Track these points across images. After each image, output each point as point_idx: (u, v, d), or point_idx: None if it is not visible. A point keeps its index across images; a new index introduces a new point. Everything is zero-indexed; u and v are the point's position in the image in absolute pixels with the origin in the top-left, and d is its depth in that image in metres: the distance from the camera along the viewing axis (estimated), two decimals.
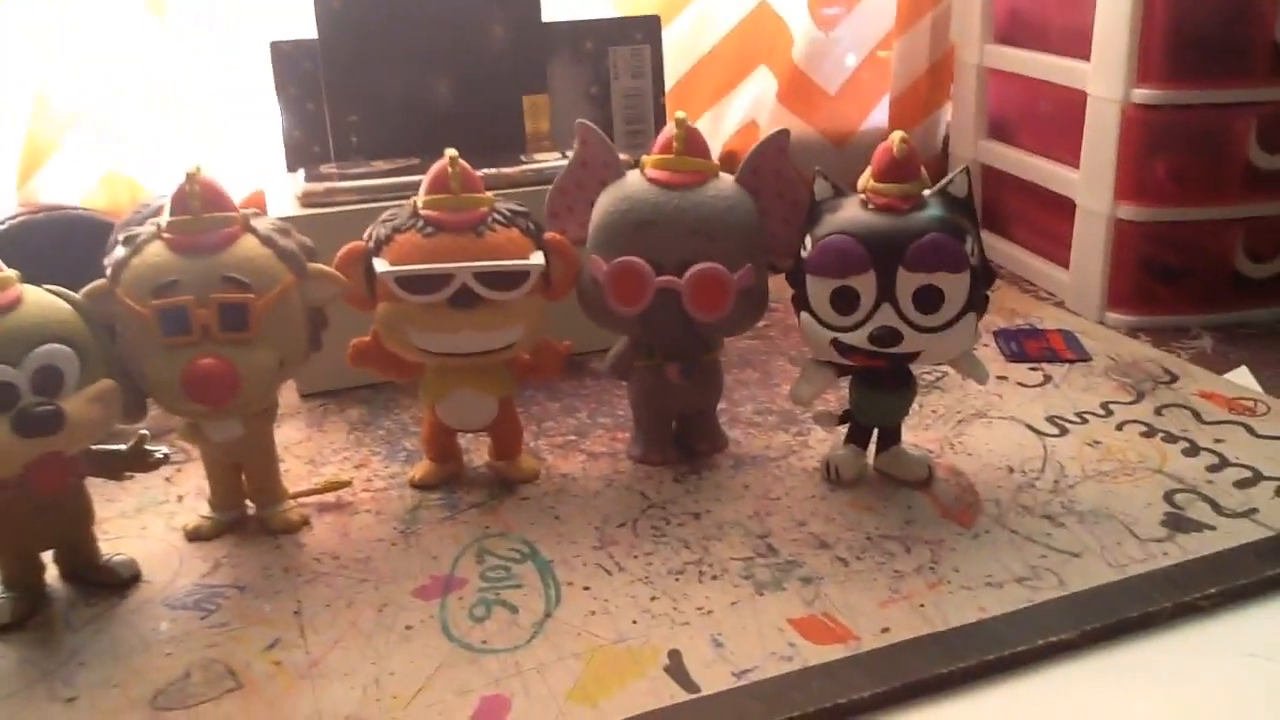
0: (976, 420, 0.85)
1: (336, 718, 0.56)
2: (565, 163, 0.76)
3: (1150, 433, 0.81)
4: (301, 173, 0.98)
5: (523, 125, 1.07)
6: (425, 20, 1.03)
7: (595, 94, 1.13)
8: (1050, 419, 0.84)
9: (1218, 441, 0.80)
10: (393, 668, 0.59)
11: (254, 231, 0.67)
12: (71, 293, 0.64)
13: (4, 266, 0.62)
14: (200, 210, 0.66)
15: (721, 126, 1.26)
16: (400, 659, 0.60)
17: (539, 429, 0.85)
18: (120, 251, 0.66)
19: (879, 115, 1.32)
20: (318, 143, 1.05)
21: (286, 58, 1.04)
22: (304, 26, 1.03)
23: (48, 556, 0.67)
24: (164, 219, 0.66)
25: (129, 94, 1.08)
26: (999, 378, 0.92)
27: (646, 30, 1.13)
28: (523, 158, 1.00)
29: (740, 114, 1.25)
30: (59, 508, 0.65)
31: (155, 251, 0.65)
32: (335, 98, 1.03)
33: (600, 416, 0.87)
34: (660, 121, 1.13)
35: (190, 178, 0.66)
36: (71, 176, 1.08)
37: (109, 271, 0.66)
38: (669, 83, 1.18)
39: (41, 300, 0.62)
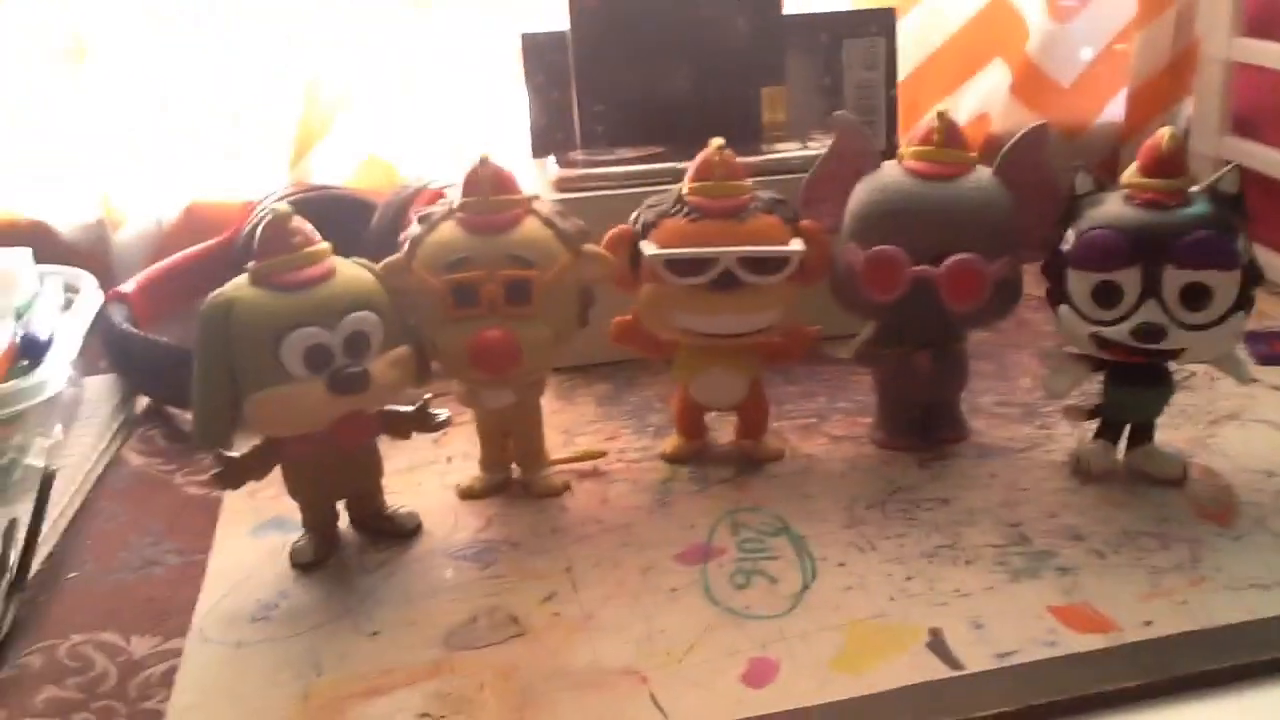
0: (1229, 422, 0.83)
1: (615, 667, 0.59)
2: (804, 152, 0.78)
3: None
4: (552, 159, 1.03)
5: (760, 116, 1.09)
6: (671, 14, 1.06)
7: (828, 85, 1.15)
8: None
9: None
10: (662, 626, 0.63)
11: (536, 214, 0.72)
12: (373, 264, 0.70)
13: (320, 237, 0.68)
14: (490, 193, 0.71)
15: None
16: (669, 618, 0.63)
17: (779, 411, 0.88)
18: (416, 229, 0.72)
19: (1114, 109, 1.29)
20: (561, 130, 1.10)
21: (536, 48, 1.09)
22: (550, 19, 1.08)
23: (341, 505, 0.73)
24: (459, 199, 0.71)
25: (389, 81, 1.15)
26: (1251, 380, 0.89)
27: (881, 23, 1.14)
28: (763, 147, 1.02)
29: (972, 106, 1.25)
30: (355, 461, 0.71)
31: (448, 230, 0.71)
32: (584, 87, 1.07)
33: (839, 401, 0.89)
34: (891, 114, 1.14)
35: (482, 161, 0.71)
36: (336, 159, 1.16)
37: (405, 247, 0.71)
38: (901, 75, 1.18)
39: (351, 271, 0.68)
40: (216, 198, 1.15)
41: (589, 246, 0.73)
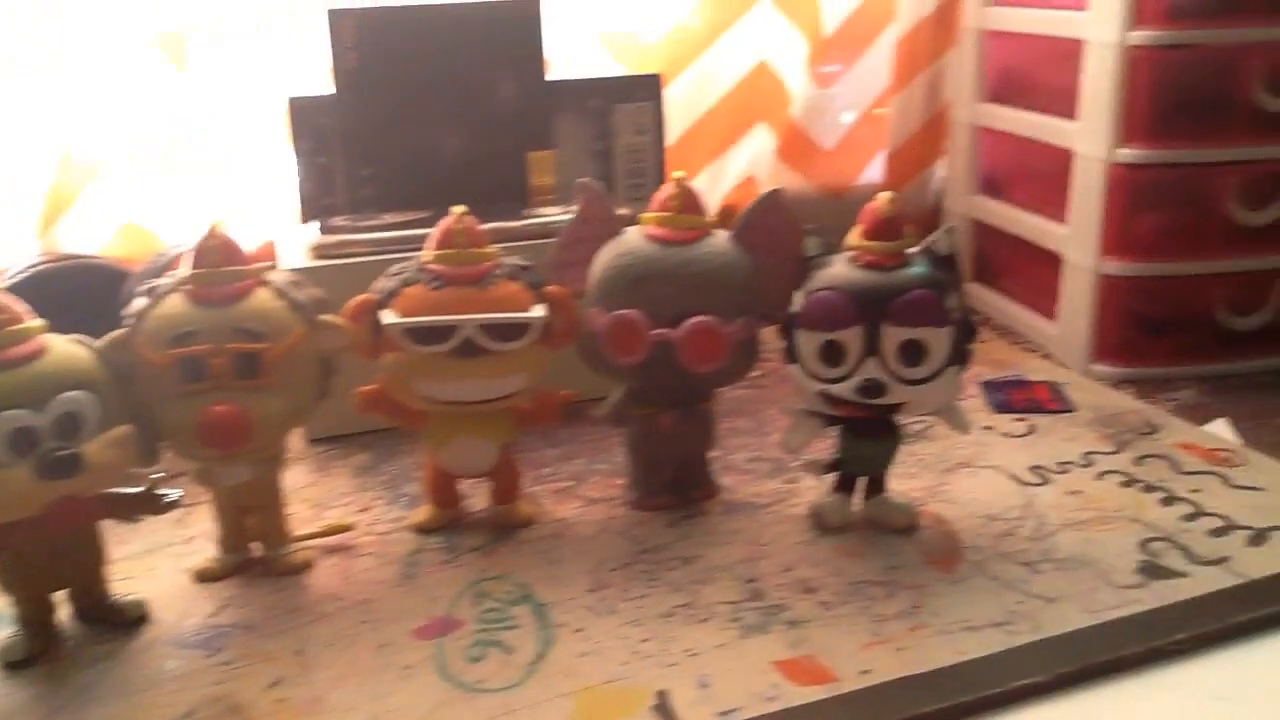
0: (961, 469, 0.87)
1: None
2: (568, 216, 0.79)
3: (1129, 482, 0.84)
4: (315, 225, 1.01)
5: (528, 180, 1.10)
6: (437, 78, 1.07)
7: (599, 149, 1.17)
8: (1033, 469, 0.87)
9: (1194, 491, 0.82)
10: (391, 706, 0.61)
11: (268, 284, 0.71)
12: (92, 340, 0.67)
13: (30, 315, 0.65)
14: (218, 264, 0.69)
15: (721, 181, 1.29)
16: (399, 698, 0.62)
17: (537, 475, 0.88)
18: (140, 302, 0.69)
19: (875, 170, 1.36)
20: (331, 196, 1.09)
21: (303, 113, 1.08)
22: (319, 84, 1.07)
23: (61, 595, 0.70)
24: (183, 271, 0.70)
25: (148, 147, 1.12)
26: (985, 428, 0.94)
27: (649, 89, 1.17)
28: (527, 211, 1.03)
29: (739, 169, 1.29)
30: (73, 549, 0.68)
31: (174, 303, 0.69)
32: (351, 152, 1.06)
33: (597, 463, 0.90)
34: (661, 176, 1.16)
35: (210, 233, 0.69)
36: (91, 226, 1.12)
37: (129, 321, 0.69)
38: (671, 138, 1.21)
39: (65, 349, 0.65)
40: None
41: (326, 317, 0.72)
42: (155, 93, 1.11)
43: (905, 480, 0.85)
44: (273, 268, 0.72)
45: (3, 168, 1.08)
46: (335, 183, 1.09)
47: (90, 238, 1.12)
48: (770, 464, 0.89)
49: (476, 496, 0.84)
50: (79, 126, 1.09)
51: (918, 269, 0.73)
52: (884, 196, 0.74)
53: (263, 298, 0.70)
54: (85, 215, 1.11)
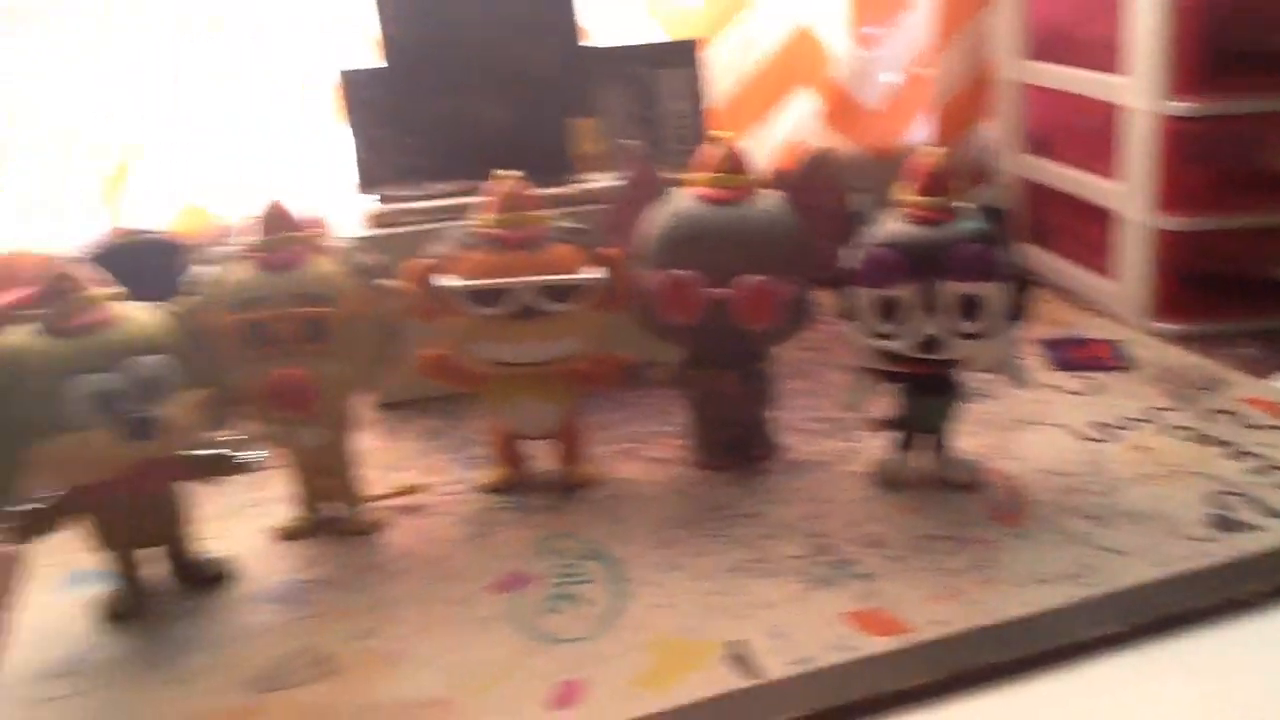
0: (1024, 427, 0.87)
1: (424, 700, 0.59)
2: (613, 182, 0.81)
3: (1195, 438, 0.83)
4: (371, 196, 1.02)
5: (570, 147, 1.10)
6: (478, 48, 1.08)
7: (644, 116, 1.17)
8: (1096, 425, 0.87)
9: (1262, 446, 0.81)
10: (473, 656, 0.63)
11: (329, 250, 0.72)
12: (167, 306, 0.69)
13: (99, 284, 0.66)
14: (280, 231, 0.70)
15: (768, 145, 1.29)
16: (479, 648, 0.63)
17: (602, 435, 0.89)
18: (209, 269, 0.71)
19: (919, 130, 1.35)
20: (385, 166, 1.10)
21: (356, 85, 1.09)
22: (370, 57, 1.08)
23: (153, 553, 0.71)
24: (249, 239, 0.71)
25: (207, 123, 1.13)
26: (1046, 386, 0.94)
27: (689, 54, 1.17)
28: (569, 179, 1.04)
29: (787, 132, 1.29)
30: (157, 508, 0.70)
31: (242, 269, 0.70)
32: (401, 123, 1.07)
33: (661, 424, 0.91)
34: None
35: (272, 202, 0.70)
36: (153, 203, 1.13)
37: (199, 288, 0.70)
38: (714, 103, 1.21)
39: (139, 314, 0.67)
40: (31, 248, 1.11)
41: (383, 280, 0.73)
42: (207, 64, 1.12)
43: (968, 438, 0.84)
44: (334, 234, 0.73)
45: (65, 148, 1.10)
46: (387, 154, 1.09)
47: (152, 214, 1.13)
48: (830, 424, 0.89)
49: (543, 458, 0.84)
50: (134, 101, 1.11)
51: (970, 224, 0.73)
52: (933, 151, 0.73)
53: (324, 263, 0.71)
54: (147, 192, 1.13)
